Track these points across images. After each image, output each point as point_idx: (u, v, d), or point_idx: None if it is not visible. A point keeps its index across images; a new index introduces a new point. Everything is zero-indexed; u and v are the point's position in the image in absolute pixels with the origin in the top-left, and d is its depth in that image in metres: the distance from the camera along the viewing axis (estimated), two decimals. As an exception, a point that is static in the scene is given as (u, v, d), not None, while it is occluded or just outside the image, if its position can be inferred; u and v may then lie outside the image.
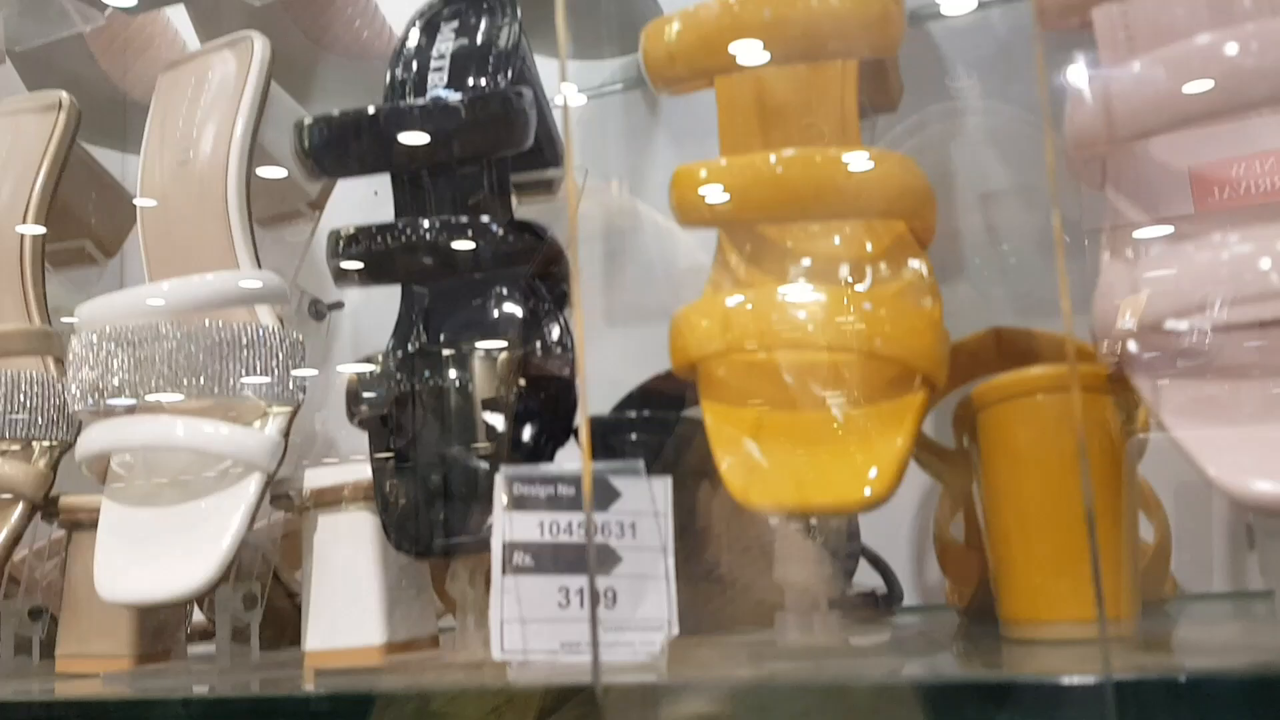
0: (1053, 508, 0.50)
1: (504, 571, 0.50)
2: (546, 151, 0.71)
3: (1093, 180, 0.54)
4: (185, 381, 0.63)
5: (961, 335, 0.64)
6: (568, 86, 0.55)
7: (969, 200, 0.79)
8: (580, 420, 0.54)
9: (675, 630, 0.49)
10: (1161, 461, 0.60)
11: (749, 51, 0.51)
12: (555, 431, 0.62)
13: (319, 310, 0.78)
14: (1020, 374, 0.52)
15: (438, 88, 0.68)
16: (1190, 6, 0.49)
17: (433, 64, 0.70)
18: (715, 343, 0.54)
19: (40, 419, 0.74)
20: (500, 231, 0.63)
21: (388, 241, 0.64)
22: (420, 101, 0.64)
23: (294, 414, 0.66)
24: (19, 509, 0.73)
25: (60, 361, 0.76)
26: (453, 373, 0.61)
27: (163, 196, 0.74)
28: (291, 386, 0.66)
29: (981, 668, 0.49)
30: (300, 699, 0.52)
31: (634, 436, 0.62)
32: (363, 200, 0.77)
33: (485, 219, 0.64)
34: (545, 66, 0.74)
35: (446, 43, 0.70)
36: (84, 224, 0.87)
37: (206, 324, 0.65)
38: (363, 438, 0.64)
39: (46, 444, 0.74)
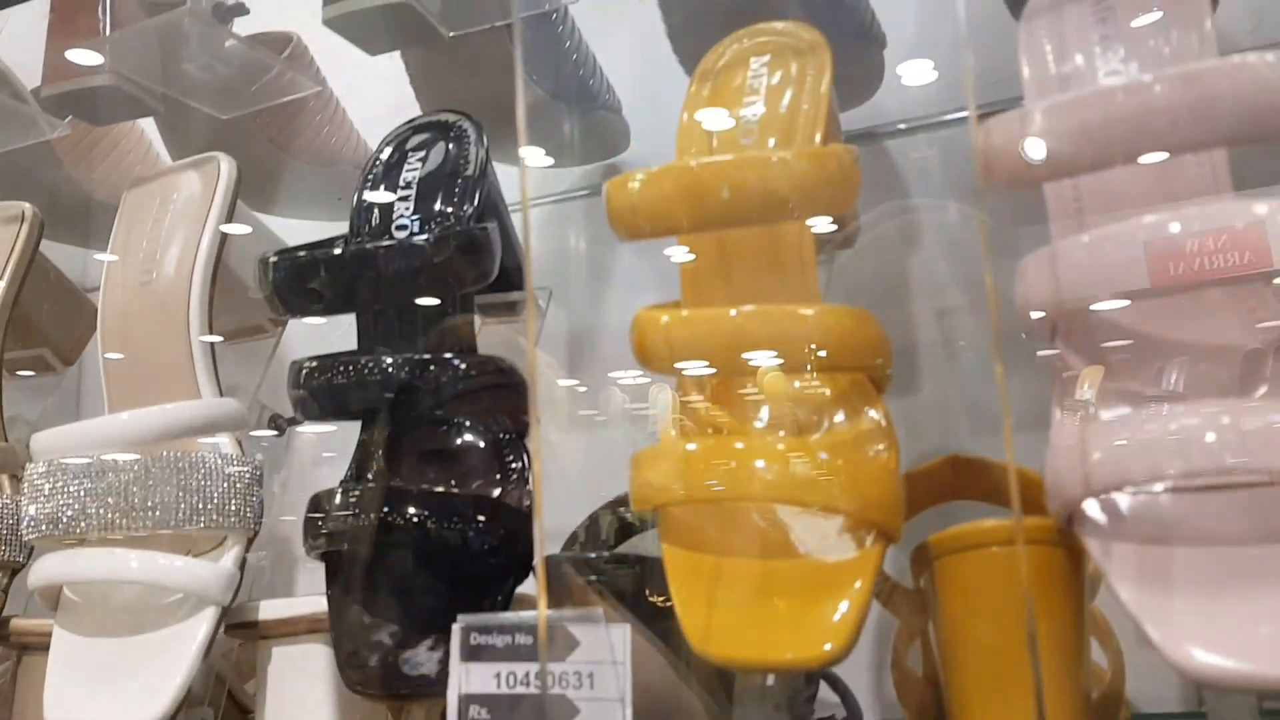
0: (1004, 650, 0.52)
1: (460, 726, 0.50)
2: (512, 275, 0.71)
3: (1043, 334, 0.55)
4: (140, 514, 0.63)
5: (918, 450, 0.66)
6: (528, 217, 0.55)
7: (924, 308, 0.81)
8: (537, 561, 0.54)
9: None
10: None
11: (708, 215, 0.52)
12: (515, 569, 0.61)
13: (279, 425, 0.77)
14: (975, 527, 0.54)
15: (404, 216, 0.69)
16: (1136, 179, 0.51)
17: (399, 191, 0.70)
18: (676, 490, 0.54)
19: (-8, 540, 0.73)
20: (463, 366, 0.63)
21: (349, 375, 0.64)
22: (386, 241, 0.64)
23: (250, 542, 0.66)
24: (-33, 631, 0.71)
25: (16, 479, 0.75)
26: (411, 509, 0.61)
27: (124, 315, 0.74)
28: (249, 514, 0.66)
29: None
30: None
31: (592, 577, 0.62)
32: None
33: (448, 355, 0.64)
34: (507, 175, 0.74)
35: (414, 171, 0.71)
36: (43, 333, 0.87)
37: (164, 454, 0.64)
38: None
39: (-3, 565, 0.73)
